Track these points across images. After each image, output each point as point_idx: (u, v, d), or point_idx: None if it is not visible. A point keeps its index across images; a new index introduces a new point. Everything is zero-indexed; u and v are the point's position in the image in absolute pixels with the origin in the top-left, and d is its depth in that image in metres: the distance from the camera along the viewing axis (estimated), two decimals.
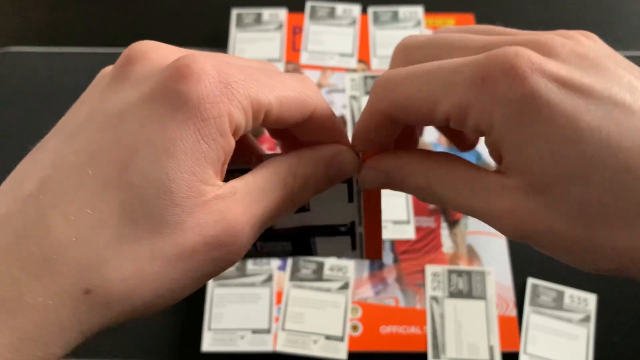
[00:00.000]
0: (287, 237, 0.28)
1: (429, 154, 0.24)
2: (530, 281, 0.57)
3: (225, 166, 0.22)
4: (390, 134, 0.24)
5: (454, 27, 0.25)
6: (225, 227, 0.20)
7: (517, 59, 0.19)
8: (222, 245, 0.21)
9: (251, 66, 0.22)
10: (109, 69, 0.23)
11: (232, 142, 0.21)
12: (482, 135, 0.21)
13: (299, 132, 0.25)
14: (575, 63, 0.20)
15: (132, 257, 0.19)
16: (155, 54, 0.22)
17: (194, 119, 0.19)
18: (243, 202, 0.21)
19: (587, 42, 0.21)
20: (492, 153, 0.22)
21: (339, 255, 0.29)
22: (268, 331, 0.55)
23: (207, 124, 0.20)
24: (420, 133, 0.28)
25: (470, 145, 0.27)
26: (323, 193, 0.25)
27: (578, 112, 0.18)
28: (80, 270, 0.18)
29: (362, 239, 0.28)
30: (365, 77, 0.69)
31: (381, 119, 0.23)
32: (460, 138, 0.27)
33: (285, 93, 0.22)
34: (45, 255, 0.18)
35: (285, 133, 0.26)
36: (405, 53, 0.24)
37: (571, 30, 0.22)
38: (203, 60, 0.20)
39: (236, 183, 0.22)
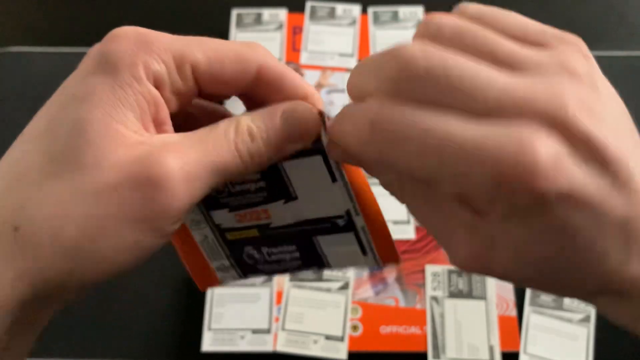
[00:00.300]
0: (289, 239, 0.28)
1: None
2: None
3: (168, 123, 0.23)
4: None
5: (478, 10, 0.22)
6: (148, 166, 0.20)
7: (540, 158, 0.17)
8: (146, 185, 0.20)
9: (180, 36, 0.23)
10: None
11: (153, 90, 0.22)
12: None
13: (255, 94, 0.24)
14: (586, 157, 0.18)
15: (54, 196, 0.20)
16: (122, 31, 0.23)
17: (108, 70, 0.21)
18: (174, 149, 0.21)
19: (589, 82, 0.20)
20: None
21: (353, 263, 0.28)
22: (268, 331, 0.55)
23: (119, 71, 0.21)
24: None
25: None
26: (303, 175, 0.25)
27: (581, 226, 0.19)
28: (11, 210, 0.20)
29: (368, 236, 0.27)
30: None
31: (364, 158, 0.22)
32: None
33: (216, 49, 0.23)
34: None
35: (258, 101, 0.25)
36: (436, 36, 0.20)
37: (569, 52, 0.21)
38: (130, 27, 0.22)
39: (169, 136, 0.22)
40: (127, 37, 0.22)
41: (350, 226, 0.27)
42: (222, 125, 0.23)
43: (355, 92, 0.22)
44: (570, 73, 0.19)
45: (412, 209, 0.23)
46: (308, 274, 0.58)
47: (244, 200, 0.26)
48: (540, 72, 0.19)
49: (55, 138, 0.21)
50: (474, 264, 0.21)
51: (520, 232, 0.19)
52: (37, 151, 0.21)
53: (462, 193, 0.20)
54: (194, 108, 0.26)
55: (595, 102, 0.19)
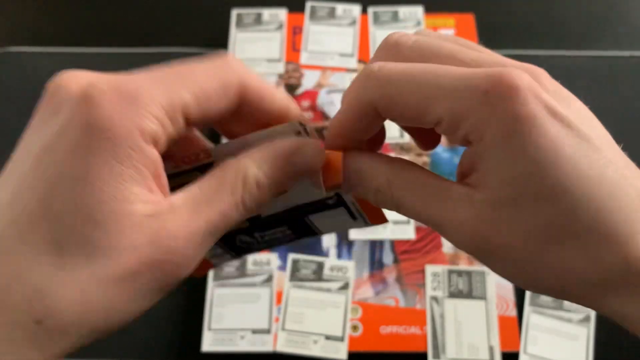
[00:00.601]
0: (280, 222, 0.27)
1: (392, 158, 0.24)
2: None
3: (163, 176, 0.22)
4: (369, 128, 0.23)
5: (434, 32, 0.24)
6: (160, 247, 0.20)
7: (520, 81, 0.20)
8: (161, 264, 0.20)
9: (157, 71, 0.22)
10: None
11: (154, 154, 0.21)
12: (466, 145, 0.22)
13: (242, 119, 0.24)
14: (557, 98, 0.21)
15: (72, 284, 0.19)
16: (73, 81, 0.21)
17: (102, 143, 0.20)
18: (182, 217, 0.21)
19: (555, 83, 0.22)
20: (465, 164, 0.22)
21: (343, 228, 0.29)
22: (268, 331, 0.55)
23: (116, 144, 0.20)
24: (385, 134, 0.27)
25: (432, 146, 0.27)
26: None
27: (560, 140, 0.20)
28: (28, 300, 0.19)
29: (357, 206, 0.27)
30: None
31: (367, 110, 0.22)
32: (424, 137, 0.26)
33: (200, 82, 0.22)
34: None
35: (241, 124, 0.25)
36: (396, 50, 0.23)
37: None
38: (103, 81, 0.20)
39: (176, 197, 0.21)
40: (109, 97, 0.20)
41: (340, 203, 0.26)
42: (229, 179, 0.22)
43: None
44: (537, 75, 0.22)
45: (406, 204, 0.23)
46: (308, 274, 0.58)
47: None
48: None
49: (62, 225, 0.20)
50: (476, 239, 0.21)
51: (512, 162, 0.20)
52: (46, 235, 0.20)
53: (454, 120, 0.21)
54: None
55: (562, 91, 0.22)
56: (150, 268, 0.20)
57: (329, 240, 0.60)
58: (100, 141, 0.20)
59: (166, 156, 0.22)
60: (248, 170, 0.22)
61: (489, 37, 0.71)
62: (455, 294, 0.57)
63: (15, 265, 0.19)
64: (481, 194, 0.21)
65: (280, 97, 0.24)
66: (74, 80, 0.21)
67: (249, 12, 0.74)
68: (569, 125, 0.20)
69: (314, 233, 0.29)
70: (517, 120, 0.20)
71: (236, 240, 0.29)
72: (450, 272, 0.58)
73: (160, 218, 0.20)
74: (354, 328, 0.55)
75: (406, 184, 0.23)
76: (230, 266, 0.58)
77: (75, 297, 0.19)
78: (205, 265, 0.30)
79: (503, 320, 0.55)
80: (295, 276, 0.58)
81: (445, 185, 0.22)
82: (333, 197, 0.26)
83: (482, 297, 0.56)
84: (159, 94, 0.21)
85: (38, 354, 0.19)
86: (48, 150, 0.20)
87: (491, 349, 0.54)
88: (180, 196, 0.22)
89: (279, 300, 0.56)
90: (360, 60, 0.71)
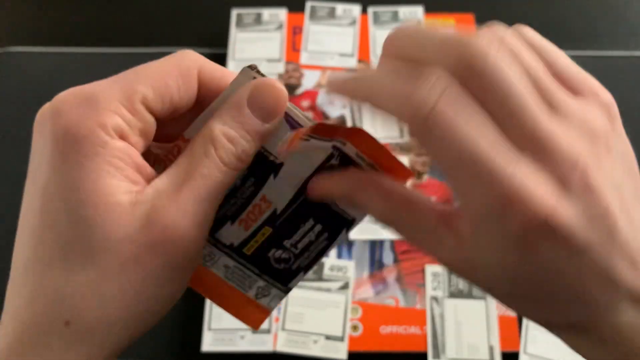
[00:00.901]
0: (302, 216, 0.26)
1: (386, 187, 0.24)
2: None
3: (145, 165, 0.22)
4: None
5: (515, 41, 0.21)
6: (154, 229, 0.21)
7: (533, 206, 0.19)
8: (160, 244, 0.21)
9: (117, 75, 0.23)
10: None
11: (123, 145, 0.21)
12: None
13: (200, 107, 0.24)
14: (582, 206, 0.20)
15: (85, 285, 0.20)
16: (46, 105, 0.22)
17: (71, 147, 0.21)
18: (168, 195, 0.21)
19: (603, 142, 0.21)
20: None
21: None
22: (268, 331, 0.55)
23: (83, 144, 0.21)
24: None
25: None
26: (275, 136, 0.24)
27: (562, 264, 0.20)
28: (52, 306, 0.21)
29: (365, 158, 0.25)
30: None
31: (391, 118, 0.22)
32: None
33: (156, 72, 0.22)
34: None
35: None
36: (469, 73, 0.20)
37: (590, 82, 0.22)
38: (66, 93, 0.22)
39: (157, 180, 0.22)
40: (69, 104, 0.21)
41: (345, 159, 0.25)
42: (198, 146, 0.22)
43: (400, 51, 0.21)
44: (589, 131, 0.20)
45: (400, 233, 0.24)
46: (308, 274, 0.57)
47: (238, 200, 0.25)
48: (568, 120, 0.20)
49: (58, 234, 0.21)
50: (459, 270, 0.22)
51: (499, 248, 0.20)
52: (49, 250, 0.21)
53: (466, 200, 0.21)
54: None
55: (602, 159, 0.20)
56: (149, 250, 0.21)
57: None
58: (69, 145, 0.21)
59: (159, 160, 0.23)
60: (213, 129, 0.23)
61: None
62: (455, 294, 0.57)
63: (35, 277, 0.21)
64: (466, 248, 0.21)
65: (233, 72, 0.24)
66: (47, 105, 0.22)
67: (249, 12, 0.74)
68: (582, 252, 0.20)
69: (347, 221, 0.26)
70: (519, 242, 0.20)
71: (271, 260, 0.27)
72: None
73: (147, 203, 0.21)
74: (354, 328, 0.55)
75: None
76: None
77: (90, 296, 0.20)
78: (260, 311, 0.28)
79: (503, 320, 0.55)
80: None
81: (432, 225, 0.22)
82: (333, 154, 0.24)
83: (482, 297, 0.56)
84: (114, 92, 0.22)
85: (75, 356, 0.20)
86: (37, 171, 0.22)
87: (491, 349, 0.54)
88: (161, 177, 0.22)
89: None
90: (360, 60, 0.71)
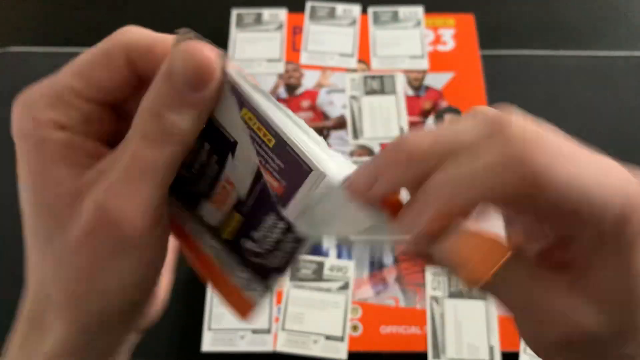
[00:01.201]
0: (266, 209, 0.24)
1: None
2: None
3: (93, 150, 0.23)
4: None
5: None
6: (104, 205, 0.22)
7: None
8: (111, 218, 0.22)
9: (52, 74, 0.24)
10: None
11: (62, 135, 0.23)
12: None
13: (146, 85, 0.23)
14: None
15: (54, 262, 0.23)
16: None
17: (20, 147, 0.23)
18: (112, 173, 0.22)
19: None
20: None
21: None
22: (268, 331, 0.55)
23: (26, 141, 0.23)
24: None
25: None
26: (228, 115, 0.22)
27: None
28: (40, 284, 0.24)
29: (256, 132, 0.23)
30: (365, 77, 0.69)
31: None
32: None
33: (79, 63, 0.23)
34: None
35: None
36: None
37: None
38: (19, 99, 0.24)
39: (101, 162, 0.23)
40: (14, 110, 0.23)
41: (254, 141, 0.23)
42: (133, 128, 0.22)
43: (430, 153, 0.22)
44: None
45: (503, 291, 0.22)
46: (308, 274, 0.58)
47: (207, 178, 0.24)
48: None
49: (32, 224, 0.23)
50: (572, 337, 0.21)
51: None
52: (30, 237, 0.24)
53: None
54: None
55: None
56: (103, 225, 0.22)
57: (329, 240, 0.60)
58: (18, 146, 0.23)
59: None
60: (142, 103, 0.22)
61: (489, 37, 0.71)
62: (455, 294, 0.57)
63: (30, 259, 0.24)
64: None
65: (165, 40, 0.23)
66: None
67: (249, 12, 0.74)
68: None
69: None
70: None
71: (245, 251, 0.26)
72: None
73: (95, 185, 0.22)
74: (354, 328, 0.55)
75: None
76: None
77: (57, 268, 0.23)
78: (245, 303, 0.27)
79: (503, 320, 0.55)
80: (295, 276, 0.58)
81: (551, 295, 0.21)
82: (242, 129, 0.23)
83: (482, 297, 0.56)
84: (41, 89, 0.23)
85: (62, 323, 0.23)
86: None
87: (491, 349, 0.54)
88: (105, 159, 0.23)
89: (279, 300, 0.56)
90: (360, 60, 0.71)
